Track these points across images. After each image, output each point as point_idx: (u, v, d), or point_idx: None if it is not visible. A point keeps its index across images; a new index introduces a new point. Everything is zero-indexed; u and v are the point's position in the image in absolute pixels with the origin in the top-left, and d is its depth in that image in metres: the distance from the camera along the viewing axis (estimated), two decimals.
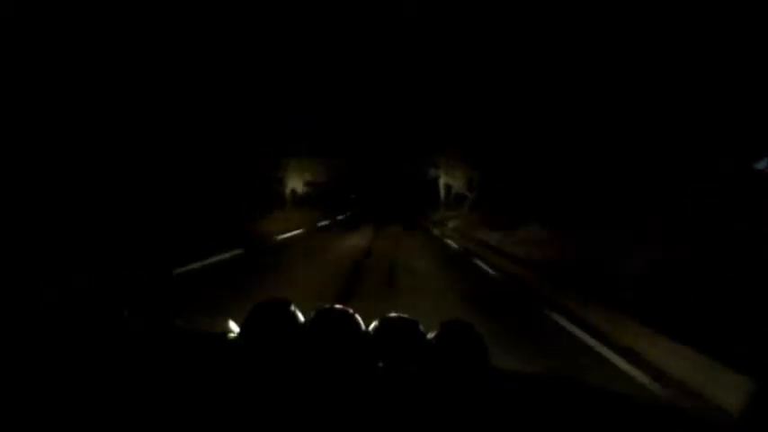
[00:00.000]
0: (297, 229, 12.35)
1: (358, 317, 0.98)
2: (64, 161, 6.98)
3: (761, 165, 6.42)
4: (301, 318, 0.99)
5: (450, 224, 17.91)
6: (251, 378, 0.70)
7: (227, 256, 6.77)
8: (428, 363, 0.89)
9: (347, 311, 0.99)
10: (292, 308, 0.99)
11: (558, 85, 11.51)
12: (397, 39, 15.38)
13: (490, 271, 7.03)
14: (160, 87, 9.35)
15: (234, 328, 1.01)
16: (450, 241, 11.94)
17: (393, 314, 1.01)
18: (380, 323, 0.97)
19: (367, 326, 0.98)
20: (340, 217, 20.94)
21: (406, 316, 1.00)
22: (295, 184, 20.91)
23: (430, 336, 0.95)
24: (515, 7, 11.69)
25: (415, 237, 12.98)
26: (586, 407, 0.74)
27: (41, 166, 6.54)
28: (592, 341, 3.55)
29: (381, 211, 29.42)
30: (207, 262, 6.09)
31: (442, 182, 23.78)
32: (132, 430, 0.56)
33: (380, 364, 0.86)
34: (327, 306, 1.00)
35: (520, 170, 14.34)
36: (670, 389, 2.67)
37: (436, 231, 15.47)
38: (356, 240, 10.84)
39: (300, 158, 19.90)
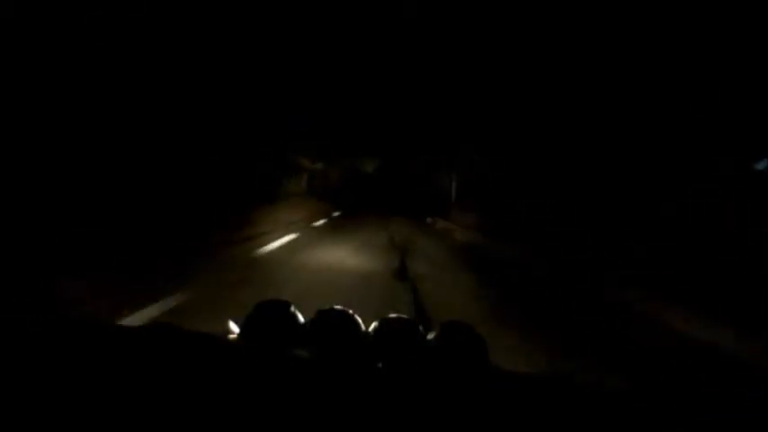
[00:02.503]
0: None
1: (358, 317, 0.98)
2: (59, 161, 6.97)
3: (761, 165, 6.41)
4: (301, 318, 0.99)
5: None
6: (251, 379, 0.70)
7: None
8: (428, 363, 0.89)
9: (347, 312, 0.99)
10: (292, 308, 0.99)
11: (555, 86, 11.51)
12: (398, 39, 15.37)
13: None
14: (159, 87, 9.34)
15: (234, 328, 1.01)
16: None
17: (393, 314, 1.01)
18: (380, 323, 0.98)
19: (367, 326, 0.98)
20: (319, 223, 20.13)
21: (405, 316, 1.00)
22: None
23: (430, 336, 0.96)
24: (515, 9, 11.69)
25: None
26: (586, 407, 0.74)
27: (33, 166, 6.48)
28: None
29: (383, 209, 29.44)
30: None
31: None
32: (132, 431, 0.56)
33: (380, 365, 0.86)
34: (327, 307, 1.01)
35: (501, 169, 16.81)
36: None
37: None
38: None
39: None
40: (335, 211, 21.12)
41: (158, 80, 9.29)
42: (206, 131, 11.78)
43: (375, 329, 0.97)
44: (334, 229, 12.63)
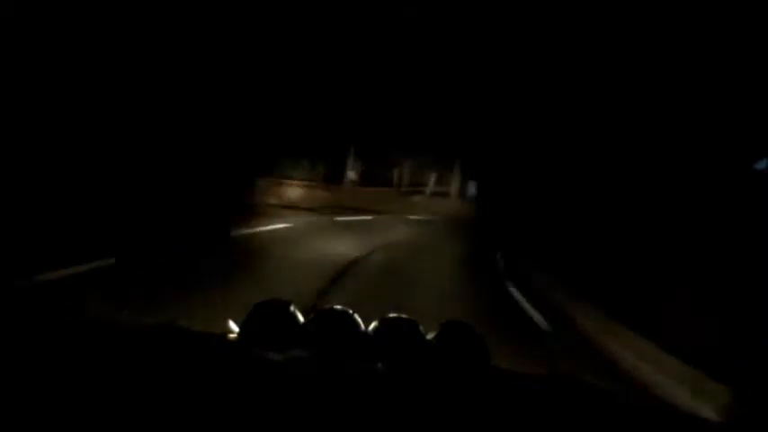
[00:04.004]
0: None
1: (357, 317, 0.98)
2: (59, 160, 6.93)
3: (761, 165, 6.40)
4: (301, 318, 0.99)
5: None
6: (251, 378, 0.70)
7: None
8: (428, 363, 0.89)
9: (347, 312, 0.99)
10: (292, 308, 0.99)
11: (556, 87, 11.52)
12: (398, 39, 15.34)
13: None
14: (159, 88, 9.33)
15: (234, 328, 1.01)
16: None
17: (393, 314, 1.01)
18: (380, 323, 0.97)
19: (366, 326, 0.98)
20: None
21: (405, 316, 1.00)
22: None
23: (430, 336, 0.96)
24: (516, 10, 11.69)
25: None
26: (586, 407, 0.74)
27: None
28: None
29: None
30: None
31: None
32: (132, 430, 0.56)
33: (380, 365, 0.86)
34: (327, 306, 1.01)
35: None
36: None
37: None
38: None
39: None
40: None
41: (158, 81, 9.28)
42: (206, 131, 11.75)
43: (375, 329, 0.97)
44: None
